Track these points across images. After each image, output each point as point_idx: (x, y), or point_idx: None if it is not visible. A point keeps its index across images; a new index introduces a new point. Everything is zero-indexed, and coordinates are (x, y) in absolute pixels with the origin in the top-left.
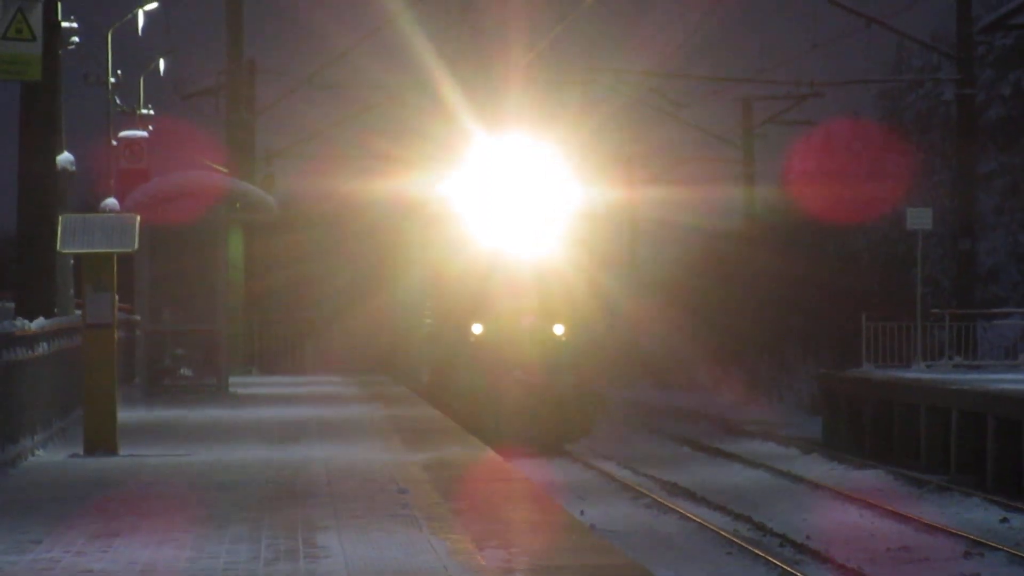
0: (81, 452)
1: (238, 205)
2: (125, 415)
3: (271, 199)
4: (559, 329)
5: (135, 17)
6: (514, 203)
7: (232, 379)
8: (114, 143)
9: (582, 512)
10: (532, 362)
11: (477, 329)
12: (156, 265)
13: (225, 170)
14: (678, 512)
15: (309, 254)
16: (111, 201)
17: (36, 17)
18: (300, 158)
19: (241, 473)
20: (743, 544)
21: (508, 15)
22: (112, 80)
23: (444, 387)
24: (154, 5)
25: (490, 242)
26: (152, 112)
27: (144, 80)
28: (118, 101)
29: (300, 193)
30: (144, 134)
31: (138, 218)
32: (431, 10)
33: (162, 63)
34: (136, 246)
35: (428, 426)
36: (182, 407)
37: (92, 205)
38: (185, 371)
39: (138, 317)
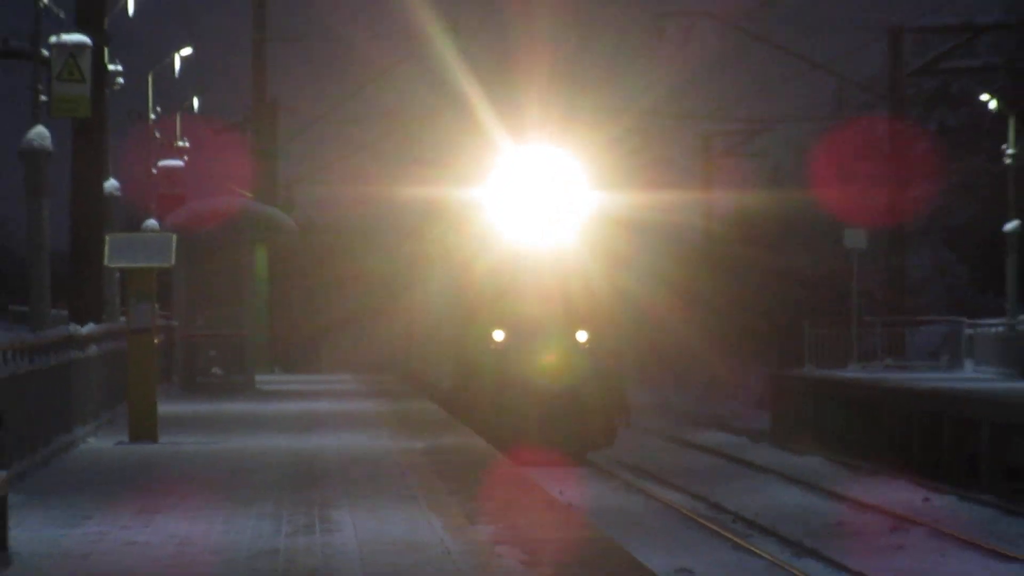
0: (126, 440)
1: (262, 226)
2: (164, 408)
3: (291, 221)
4: (582, 336)
5: (172, 61)
6: (536, 209)
7: (258, 377)
8: (154, 171)
9: (560, 492)
10: (554, 369)
11: (499, 336)
12: (191, 277)
13: (251, 195)
14: (645, 493)
15: (325, 268)
16: (151, 222)
17: (85, 62)
18: (317, 183)
19: (265, 458)
20: (701, 521)
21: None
22: (152, 116)
23: (465, 394)
24: (188, 51)
25: (512, 248)
26: (187, 144)
27: (180, 116)
28: (157, 135)
29: (316, 215)
30: (180, 163)
31: (175, 237)
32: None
33: (196, 101)
34: (173, 261)
35: (427, 418)
36: (214, 401)
37: (135, 225)
38: (216, 370)
39: (175, 323)
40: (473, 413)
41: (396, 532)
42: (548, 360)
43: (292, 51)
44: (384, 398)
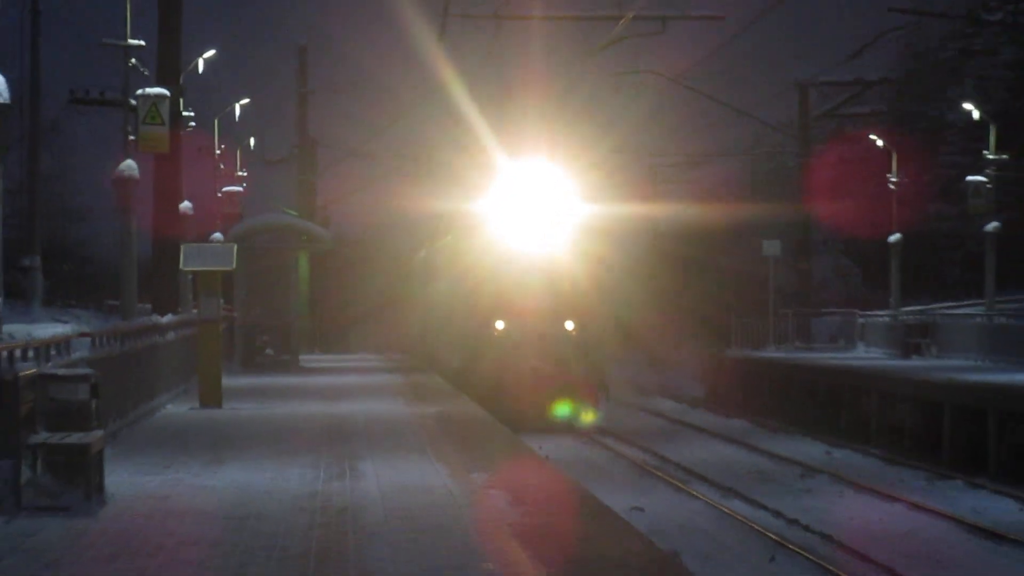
0: (197, 406)
1: (304, 237)
2: (227, 381)
3: (327, 233)
4: (570, 326)
5: (233, 108)
6: (530, 218)
7: (301, 356)
8: (219, 195)
9: (540, 447)
10: (546, 354)
11: (500, 325)
12: (248, 277)
13: (295, 213)
14: (604, 446)
15: (353, 270)
16: (217, 235)
17: (165, 108)
18: (348, 204)
19: (306, 421)
20: (650, 469)
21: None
22: (217, 151)
23: (471, 373)
24: (246, 101)
25: (510, 252)
26: (245, 173)
27: (240, 151)
28: (221, 166)
29: (347, 229)
30: (240, 189)
31: (235, 246)
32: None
33: (252, 140)
34: (234, 265)
35: (435, 390)
36: (266, 376)
37: (203, 237)
38: (269, 351)
39: (236, 314)
40: (478, 388)
41: (410, 478)
42: (540, 345)
43: (330, 98)
44: (400, 373)
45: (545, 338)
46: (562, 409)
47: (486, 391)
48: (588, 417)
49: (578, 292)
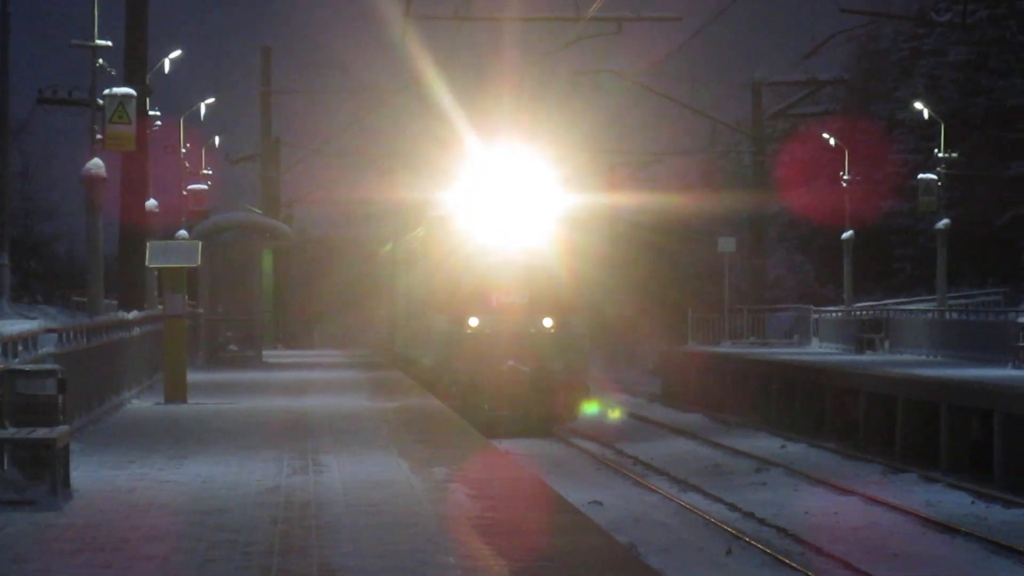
0: (162, 401)
1: (268, 234)
2: (192, 376)
3: (290, 230)
4: (548, 322)
5: (198, 108)
6: (506, 209)
7: (265, 352)
8: (184, 193)
9: (500, 441)
10: (523, 352)
11: (474, 322)
12: (213, 274)
13: (259, 211)
14: (565, 442)
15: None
16: (182, 232)
17: (131, 108)
18: (310, 201)
19: (269, 415)
20: (609, 464)
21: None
22: (183, 150)
23: (444, 372)
24: (211, 100)
25: (486, 243)
26: (210, 172)
27: (204, 150)
28: (187, 164)
29: (310, 225)
30: (205, 187)
31: (200, 243)
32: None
33: (217, 139)
34: (199, 262)
35: (397, 384)
36: (230, 371)
37: (169, 235)
38: (233, 347)
39: (201, 310)
40: (450, 388)
41: (372, 472)
42: (517, 343)
43: (291, 98)
44: (363, 369)
45: (522, 336)
46: (539, 411)
47: (459, 392)
48: (566, 418)
49: (557, 286)
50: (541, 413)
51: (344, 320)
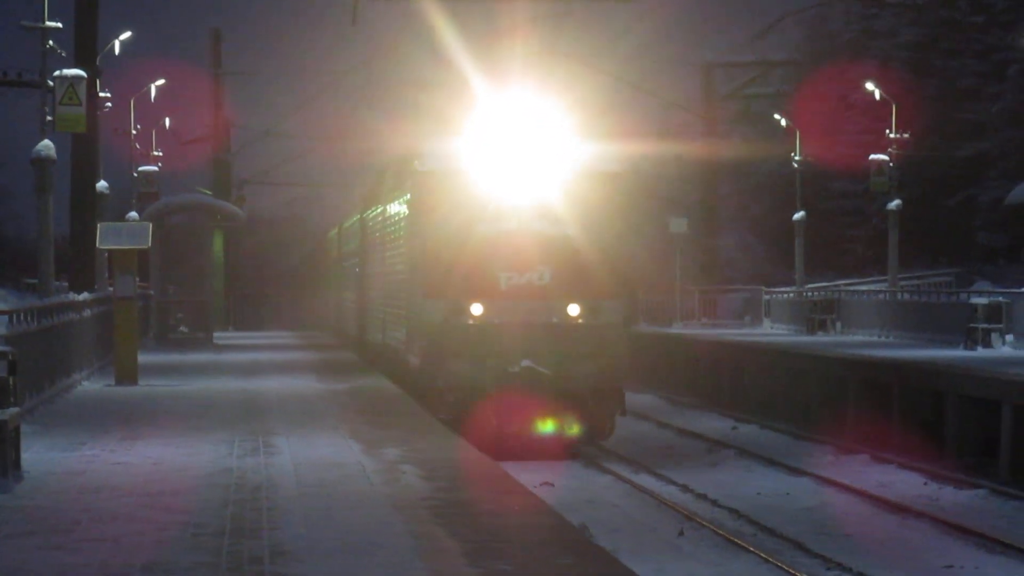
0: (113, 383)
1: (219, 216)
2: (143, 358)
3: (241, 212)
4: (575, 310)
5: (149, 89)
6: (519, 161)
7: (216, 334)
8: (135, 175)
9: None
10: (543, 350)
11: (477, 309)
12: (163, 256)
13: (210, 192)
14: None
15: (267, 248)
16: (133, 214)
17: (82, 89)
18: (263, 184)
19: (221, 397)
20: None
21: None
22: (133, 132)
23: (436, 375)
24: (162, 81)
25: (492, 206)
26: (161, 153)
27: (155, 132)
28: (137, 146)
29: (261, 207)
30: (156, 168)
31: (151, 225)
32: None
33: (168, 120)
34: (149, 243)
35: (347, 365)
36: (181, 353)
37: (120, 216)
38: (183, 328)
39: (151, 291)
40: (447, 395)
41: (323, 454)
42: (534, 338)
43: (242, 80)
44: (313, 350)
45: (541, 328)
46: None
47: (457, 402)
48: (576, 433)
49: (587, 262)
50: (565, 429)
51: (296, 302)
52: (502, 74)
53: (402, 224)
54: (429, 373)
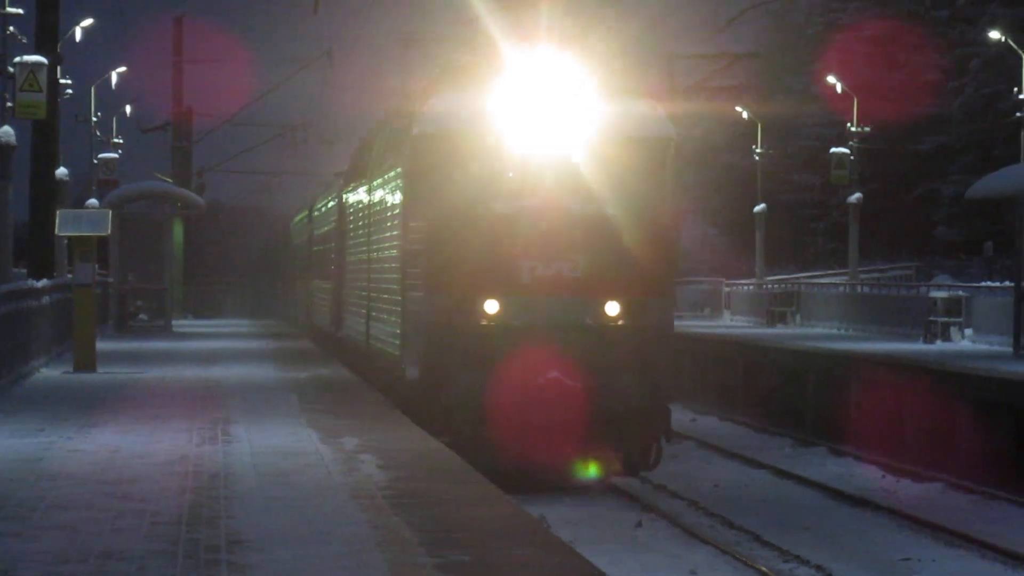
0: (71, 370)
1: (179, 204)
2: (101, 345)
3: (201, 200)
4: (613, 309)
5: (110, 76)
6: (545, 123)
7: (175, 322)
8: (95, 162)
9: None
10: (574, 358)
11: (491, 307)
12: (123, 243)
13: (170, 180)
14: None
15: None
16: (93, 201)
17: (43, 76)
18: (223, 172)
19: (179, 385)
20: None
21: None
22: (94, 119)
23: (440, 389)
24: (123, 69)
25: (511, 179)
26: (121, 141)
27: (116, 119)
28: (98, 133)
29: (222, 195)
30: (116, 156)
31: (111, 212)
32: None
33: (128, 108)
34: (109, 231)
35: (307, 354)
36: (140, 340)
37: (79, 203)
38: (142, 316)
39: (111, 279)
40: (454, 414)
41: (281, 443)
42: (564, 343)
43: (204, 68)
44: (273, 339)
45: (572, 331)
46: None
47: (467, 422)
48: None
49: (629, 249)
50: (601, 455)
51: (257, 290)
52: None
53: (396, 201)
54: (431, 387)
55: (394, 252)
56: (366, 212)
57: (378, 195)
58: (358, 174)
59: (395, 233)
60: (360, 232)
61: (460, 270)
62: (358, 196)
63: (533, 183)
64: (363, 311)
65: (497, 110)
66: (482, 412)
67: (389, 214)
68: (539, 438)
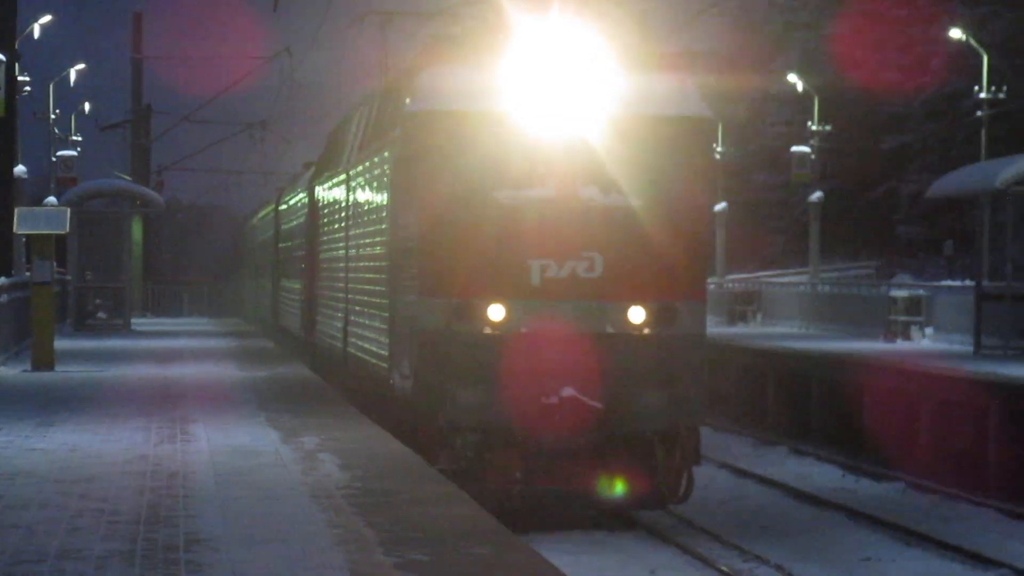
0: (30, 368)
1: (138, 202)
2: (60, 344)
3: (160, 198)
4: (639, 314)
5: (68, 74)
6: (561, 99)
7: (133, 320)
8: (53, 159)
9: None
10: (591, 373)
11: (496, 313)
12: (82, 241)
13: (129, 178)
14: None
15: (186, 234)
16: (51, 199)
17: (1, 73)
18: (182, 170)
19: (138, 383)
20: None
21: None
22: (52, 116)
23: (436, 409)
24: (82, 66)
25: (520, 166)
26: (80, 138)
27: (75, 116)
28: (56, 131)
29: (180, 194)
30: (74, 153)
31: (69, 210)
32: None
33: (87, 105)
34: (67, 229)
35: (266, 353)
36: (99, 339)
37: (38, 201)
38: (101, 314)
39: (69, 277)
40: (450, 438)
41: (240, 441)
42: (578, 355)
43: (163, 65)
44: (232, 337)
45: (590, 341)
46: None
47: (467, 449)
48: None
49: (656, 246)
50: (621, 487)
51: (217, 289)
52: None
53: (382, 191)
54: (426, 405)
55: (380, 249)
56: (344, 204)
57: (360, 185)
58: (333, 162)
59: (382, 227)
60: (337, 226)
61: (459, 270)
62: (334, 186)
63: (545, 169)
64: (340, 314)
65: (503, 84)
66: (485, 435)
67: (374, 206)
68: (551, 466)
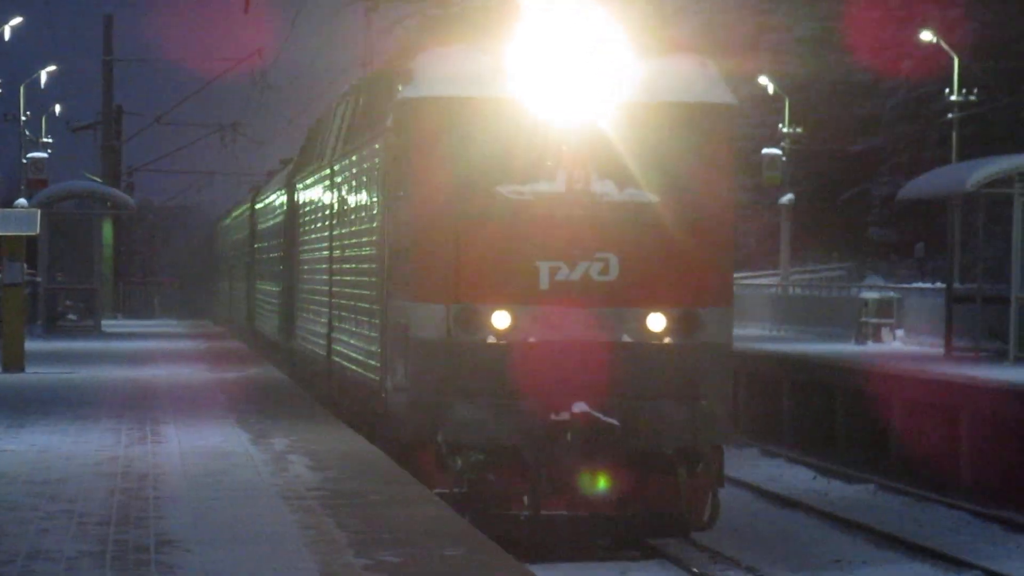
0: (0, 370)
1: (108, 204)
2: (30, 345)
3: (131, 200)
4: (658, 321)
5: (39, 76)
6: (573, 85)
7: (104, 322)
8: (24, 161)
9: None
10: (608, 384)
11: (501, 320)
12: (53, 243)
13: (100, 179)
14: None
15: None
16: (22, 200)
17: None
18: (154, 171)
19: (109, 385)
20: None
21: None
22: (23, 118)
23: (434, 427)
24: (53, 68)
25: (525, 156)
26: (51, 140)
27: (45, 118)
28: (27, 132)
29: (152, 195)
30: (45, 155)
31: (39, 212)
32: None
33: (58, 107)
34: (38, 230)
35: (237, 354)
36: (69, 340)
37: (8, 203)
38: (72, 316)
39: (39, 279)
40: (448, 460)
41: (211, 442)
42: (592, 366)
43: (134, 67)
44: (203, 339)
45: (605, 350)
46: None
47: (469, 470)
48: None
49: (677, 247)
50: (640, 511)
51: (189, 291)
52: None
53: (373, 187)
54: (422, 422)
55: (370, 250)
56: (329, 202)
57: (345, 180)
58: (315, 157)
59: (372, 226)
60: (320, 225)
61: (461, 273)
62: (316, 183)
63: (554, 161)
64: (323, 320)
65: (507, 67)
66: (488, 455)
67: (362, 203)
68: (562, 489)
